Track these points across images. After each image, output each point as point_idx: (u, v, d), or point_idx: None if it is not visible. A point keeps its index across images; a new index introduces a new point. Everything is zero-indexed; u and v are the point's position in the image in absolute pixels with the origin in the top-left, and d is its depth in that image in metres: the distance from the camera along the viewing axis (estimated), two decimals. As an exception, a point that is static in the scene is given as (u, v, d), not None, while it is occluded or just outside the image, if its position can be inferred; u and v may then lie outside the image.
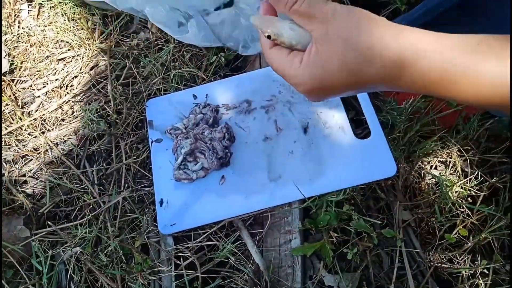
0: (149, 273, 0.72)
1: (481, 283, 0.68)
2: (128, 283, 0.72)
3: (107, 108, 0.90)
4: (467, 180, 0.75)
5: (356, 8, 0.40)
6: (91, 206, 0.81)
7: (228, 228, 0.77)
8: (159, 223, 0.76)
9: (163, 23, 0.90)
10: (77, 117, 0.92)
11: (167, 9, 0.85)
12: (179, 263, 0.73)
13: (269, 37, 0.44)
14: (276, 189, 0.75)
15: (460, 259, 0.73)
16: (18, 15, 1.07)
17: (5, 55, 0.99)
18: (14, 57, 1.00)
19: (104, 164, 0.85)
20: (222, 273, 0.73)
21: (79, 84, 0.95)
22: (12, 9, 1.06)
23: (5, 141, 0.89)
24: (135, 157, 0.84)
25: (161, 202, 0.78)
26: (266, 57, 0.46)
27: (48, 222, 0.79)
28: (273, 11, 0.46)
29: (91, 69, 0.97)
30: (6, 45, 1.02)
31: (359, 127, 0.82)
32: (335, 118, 0.79)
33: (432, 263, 0.73)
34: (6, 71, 0.98)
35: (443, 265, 0.73)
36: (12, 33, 1.03)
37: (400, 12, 1.01)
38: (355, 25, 0.38)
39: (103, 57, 0.97)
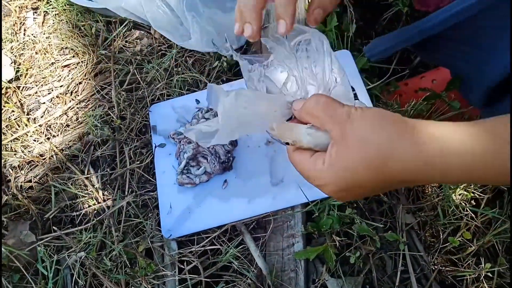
0: (153, 278, 0.73)
1: (485, 287, 0.68)
2: (133, 287, 0.73)
3: (111, 113, 0.91)
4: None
5: (370, 108, 0.42)
6: (95, 211, 0.81)
7: (231, 232, 0.77)
8: (162, 228, 0.77)
9: (165, 30, 0.90)
10: (81, 123, 0.93)
11: (169, 14, 0.85)
12: (183, 267, 0.74)
13: (288, 143, 0.45)
14: (278, 193, 0.75)
15: (464, 262, 0.73)
16: (24, 22, 1.08)
17: (11, 63, 1.00)
18: (19, 64, 1.02)
19: (108, 169, 0.86)
20: (225, 277, 0.73)
21: (83, 90, 0.96)
22: (18, 17, 1.08)
23: (11, 147, 0.90)
24: (139, 162, 0.85)
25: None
26: (290, 159, 0.48)
27: (54, 227, 0.80)
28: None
29: (95, 75, 0.98)
30: (12, 52, 1.03)
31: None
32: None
33: (436, 267, 0.73)
34: (12, 78, 0.99)
35: (447, 268, 0.73)
36: (17, 40, 1.04)
37: (402, 14, 1.01)
38: (371, 124, 0.40)
39: (107, 63, 0.98)
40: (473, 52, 0.70)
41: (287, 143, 0.46)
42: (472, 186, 0.74)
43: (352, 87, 0.50)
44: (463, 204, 0.74)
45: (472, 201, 0.75)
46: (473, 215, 0.73)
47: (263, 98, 0.48)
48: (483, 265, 0.69)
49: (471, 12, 0.61)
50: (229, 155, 0.79)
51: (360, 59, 0.87)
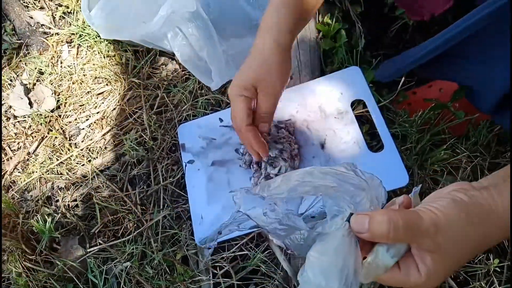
0: (190, 282, 0.81)
1: (495, 281, 0.74)
2: (172, 292, 0.81)
3: (143, 135, 1.00)
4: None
5: (448, 208, 0.44)
6: (135, 225, 0.91)
7: (258, 239, 0.85)
8: (196, 237, 0.85)
9: (191, 66, 0.99)
10: (118, 145, 1.03)
11: (193, 51, 0.94)
12: (216, 272, 0.82)
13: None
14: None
15: (476, 258, 0.78)
16: (60, 55, 1.19)
17: (52, 93, 1.11)
18: (59, 94, 1.13)
19: (144, 186, 0.95)
20: (255, 279, 0.81)
21: (117, 115, 1.06)
22: (55, 51, 1.19)
23: (57, 170, 1.01)
24: (171, 178, 0.94)
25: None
26: (381, 282, 0.48)
27: (99, 240, 0.90)
28: (369, 244, 0.46)
29: (127, 101, 1.08)
30: (51, 83, 1.14)
31: (374, 139, 0.88)
32: (350, 134, 0.86)
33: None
34: (54, 108, 1.10)
35: (459, 264, 0.78)
36: (56, 72, 1.15)
37: (408, 27, 1.07)
38: (458, 227, 0.43)
39: (137, 89, 1.08)
40: (478, 67, 0.74)
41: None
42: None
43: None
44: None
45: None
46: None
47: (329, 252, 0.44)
48: (492, 260, 0.74)
49: (477, 27, 0.66)
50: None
51: (370, 73, 0.94)
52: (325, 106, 0.90)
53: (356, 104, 0.90)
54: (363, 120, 0.91)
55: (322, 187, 0.46)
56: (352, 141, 0.85)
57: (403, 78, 0.97)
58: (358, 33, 1.05)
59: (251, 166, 0.86)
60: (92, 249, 0.89)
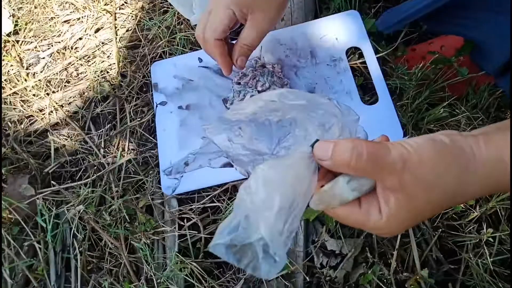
0: (153, 233, 0.73)
1: (485, 252, 0.68)
2: (132, 241, 0.73)
3: (111, 71, 0.89)
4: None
5: (422, 146, 0.37)
6: (95, 167, 0.81)
7: (232, 192, 0.76)
8: (162, 184, 0.76)
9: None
10: (82, 79, 0.91)
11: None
12: (183, 224, 0.74)
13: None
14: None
15: (466, 228, 0.72)
16: (23, -25, 1.05)
17: (9, 16, 0.98)
18: (18, 18, 0.99)
19: (108, 126, 0.85)
20: (225, 235, 0.73)
21: (83, 46, 0.94)
22: (17, -31, 1.04)
23: (10, 101, 0.89)
24: (139, 120, 0.84)
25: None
26: (334, 216, 0.43)
27: (53, 182, 0.79)
28: (331, 174, 0.42)
29: (96, 32, 0.95)
30: (10, 6, 1.00)
31: (367, 93, 0.80)
32: (342, 84, 0.77)
33: (436, 232, 0.72)
34: (11, 32, 0.96)
35: (447, 234, 0.72)
36: (16, -7, 1.01)
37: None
38: (432, 168, 0.37)
39: (108, 19, 0.95)
40: (492, 20, 0.67)
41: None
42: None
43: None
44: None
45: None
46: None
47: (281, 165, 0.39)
48: (484, 230, 0.69)
49: None
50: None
51: (368, 21, 0.85)
52: (317, 51, 0.81)
53: (352, 52, 0.81)
54: (357, 74, 0.82)
55: (290, 108, 0.41)
56: (344, 91, 0.77)
57: (404, 30, 0.88)
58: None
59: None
60: (44, 190, 0.79)
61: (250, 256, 0.35)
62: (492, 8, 0.67)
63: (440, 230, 0.72)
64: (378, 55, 0.79)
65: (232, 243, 0.35)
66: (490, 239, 0.68)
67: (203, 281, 0.68)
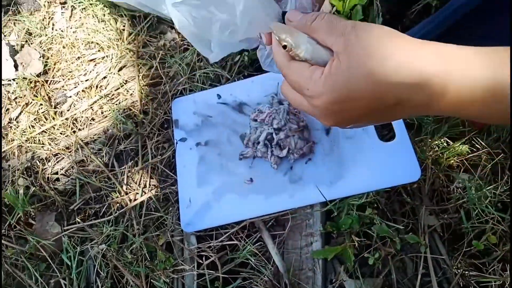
0: (172, 271, 0.74)
1: (510, 294, 0.66)
2: (152, 280, 0.74)
3: (134, 108, 0.92)
4: (497, 185, 0.72)
5: (375, 24, 0.39)
6: (118, 204, 0.83)
7: (250, 229, 0.77)
8: (181, 221, 0.78)
9: (190, 35, 0.89)
10: (106, 116, 0.95)
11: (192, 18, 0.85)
12: (201, 262, 0.75)
13: (284, 47, 0.43)
14: (296, 191, 0.75)
15: (490, 267, 0.70)
16: (52, 17, 1.11)
17: (40, 57, 1.03)
18: (48, 58, 1.04)
19: (131, 163, 0.88)
20: (243, 273, 0.74)
21: (108, 84, 0.98)
22: (47, 11, 1.10)
23: (39, 139, 0.93)
24: (160, 156, 0.86)
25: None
26: (282, 68, 0.44)
27: (78, 219, 0.82)
28: None
29: (119, 70, 0.99)
30: (41, 47, 1.06)
31: (384, 129, 0.80)
32: (359, 120, 0.77)
33: (458, 270, 0.71)
34: (41, 72, 1.02)
35: (470, 273, 0.70)
36: (46, 35, 1.07)
37: (431, 7, 0.97)
38: (376, 37, 0.37)
39: (131, 57, 0.99)
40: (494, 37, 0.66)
41: (284, 46, 0.43)
42: (499, 189, 0.71)
43: None
44: (489, 207, 0.71)
45: (499, 204, 0.72)
46: (499, 219, 0.70)
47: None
48: (508, 271, 0.67)
49: None
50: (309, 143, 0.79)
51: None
52: (333, 87, 0.81)
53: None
54: (375, 107, 0.82)
55: None
56: (360, 128, 0.77)
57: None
58: (376, 11, 0.95)
59: (254, 144, 0.80)
60: (69, 227, 0.82)
61: None
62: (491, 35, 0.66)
63: (463, 269, 0.71)
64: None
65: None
66: (515, 281, 0.66)
67: (221, 321, 0.69)
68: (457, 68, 0.35)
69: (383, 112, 0.39)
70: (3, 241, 0.80)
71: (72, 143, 0.92)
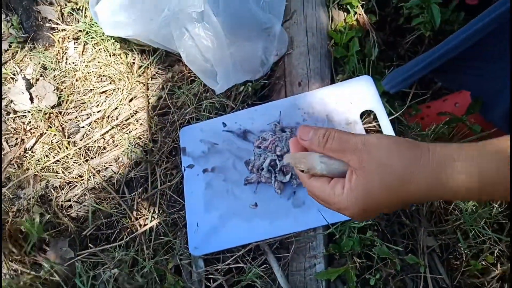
0: (181, 294, 0.77)
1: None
2: (162, 303, 0.77)
3: (144, 137, 0.97)
4: (492, 207, 0.75)
5: (384, 135, 0.46)
6: (129, 229, 0.87)
7: (255, 252, 0.80)
8: (189, 245, 0.81)
9: (198, 69, 0.95)
10: (117, 145, 0.99)
11: (200, 53, 0.91)
12: (209, 284, 0.77)
13: (302, 171, 0.49)
14: (300, 215, 0.78)
15: (488, 286, 0.73)
16: (66, 52, 1.17)
17: (54, 89, 1.09)
18: (61, 91, 1.10)
19: (141, 190, 0.92)
20: (249, 295, 0.76)
21: (119, 115, 1.03)
22: (61, 47, 1.17)
23: (53, 168, 0.98)
24: (169, 182, 0.90)
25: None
26: (306, 186, 0.51)
27: (90, 244, 0.86)
28: (302, 147, 0.52)
29: (130, 101, 1.04)
30: (55, 80, 1.12)
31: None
32: (358, 145, 0.81)
33: (458, 290, 0.73)
34: (55, 104, 1.07)
35: (470, 292, 0.73)
36: (60, 69, 1.13)
37: (425, 38, 1.03)
38: (387, 151, 0.43)
39: (141, 89, 1.04)
40: (496, 70, 0.70)
41: (302, 171, 0.49)
42: (494, 211, 0.74)
43: None
44: (486, 228, 0.74)
45: (495, 225, 0.75)
46: (496, 239, 0.73)
47: None
48: (506, 290, 0.69)
49: (493, 27, 0.63)
50: None
51: (381, 84, 0.89)
52: (333, 115, 0.86)
53: (366, 115, 0.86)
54: (373, 133, 0.86)
55: None
56: (360, 154, 0.81)
57: (413, 89, 0.92)
58: (372, 42, 1.01)
59: (258, 170, 0.83)
60: (82, 252, 0.85)
61: None
62: (489, 58, 0.70)
63: (462, 289, 0.73)
64: (391, 117, 0.84)
65: None
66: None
67: None
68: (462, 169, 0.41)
69: (405, 206, 0.50)
70: (18, 267, 0.83)
71: (84, 171, 0.96)
